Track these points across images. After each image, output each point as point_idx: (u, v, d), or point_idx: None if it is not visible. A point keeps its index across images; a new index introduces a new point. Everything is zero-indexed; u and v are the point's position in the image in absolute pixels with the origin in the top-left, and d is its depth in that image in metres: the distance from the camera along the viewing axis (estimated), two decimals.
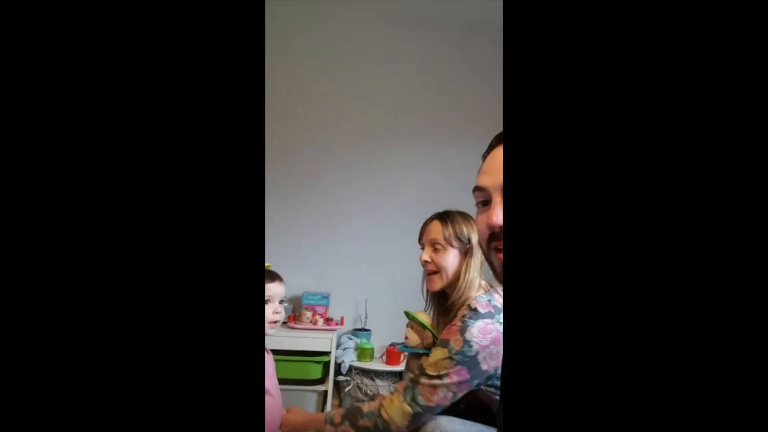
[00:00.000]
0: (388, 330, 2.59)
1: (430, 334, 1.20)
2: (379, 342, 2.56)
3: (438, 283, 1.16)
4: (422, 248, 1.20)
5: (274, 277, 1.19)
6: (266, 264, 1.27)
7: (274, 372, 1.20)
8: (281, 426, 1.16)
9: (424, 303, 1.30)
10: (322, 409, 2.29)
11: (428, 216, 1.23)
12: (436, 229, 1.16)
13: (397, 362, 2.38)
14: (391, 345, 2.49)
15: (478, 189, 0.63)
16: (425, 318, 1.23)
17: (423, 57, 2.85)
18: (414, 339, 1.23)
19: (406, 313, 1.30)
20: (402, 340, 2.45)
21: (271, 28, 2.69)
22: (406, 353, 1.32)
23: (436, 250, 1.15)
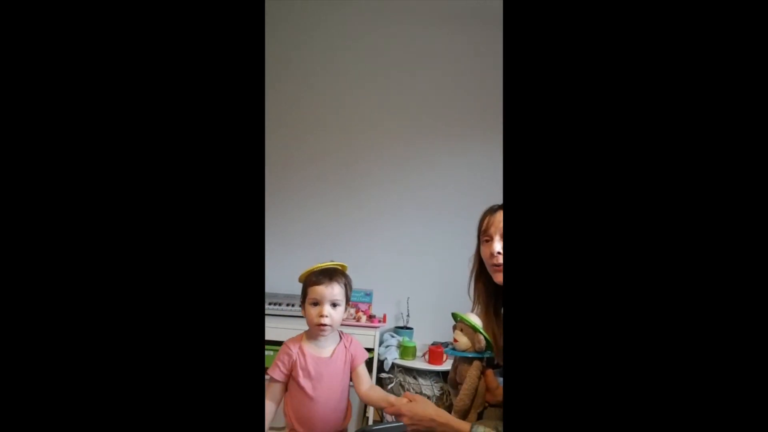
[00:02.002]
0: (430, 329, 2.58)
1: (482, 338, 1.16)
2: (421, 340, 2.55)
3: None
4: (486, 240, 1.14)
5: (321, 279, 1.13)
6: (341, 264, 1.22)
7: (323, 377, 1.13)
8: (400, 414, 1.06)
9: (472, 301, 1.26)
10: (365, 406, 2.30)
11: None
12: None
13: (439, 362, 2.35)
14: (433, 344, 2.47)
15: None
16: (476, 320, 1.20)
17: (456, 55, 2.81)
18: (464, 342, 1.18)
19: (454, 315, 1.26)
20: (444, 340, 2.46)
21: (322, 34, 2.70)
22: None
23: None
